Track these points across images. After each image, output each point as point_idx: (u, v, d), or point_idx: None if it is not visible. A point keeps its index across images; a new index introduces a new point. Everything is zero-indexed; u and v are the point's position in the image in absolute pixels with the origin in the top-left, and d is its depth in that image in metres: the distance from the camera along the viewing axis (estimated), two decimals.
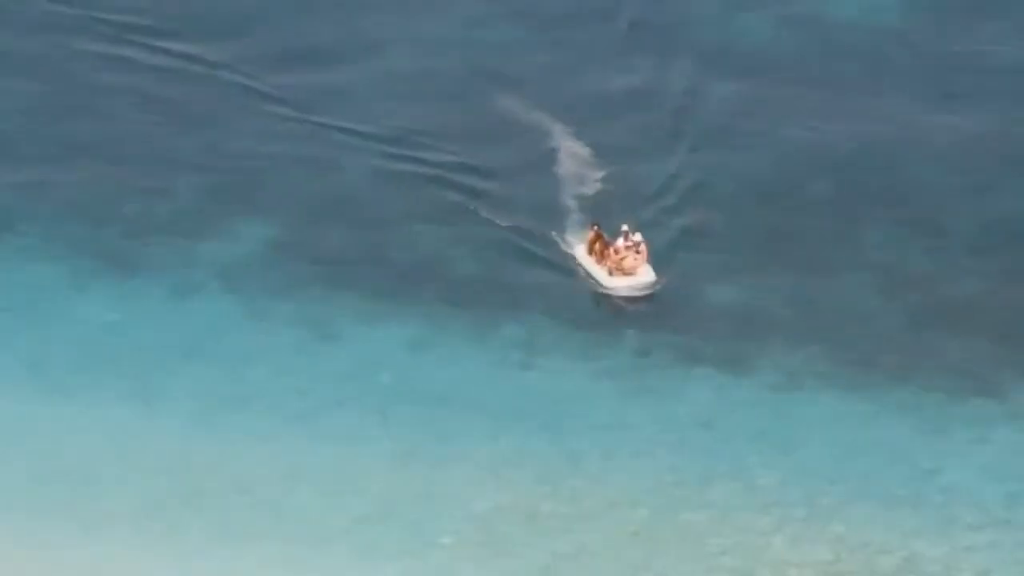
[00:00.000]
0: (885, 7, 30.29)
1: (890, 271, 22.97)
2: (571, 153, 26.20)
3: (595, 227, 22.67)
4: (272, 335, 21.71)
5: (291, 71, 28.49)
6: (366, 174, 25.74)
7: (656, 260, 22.63)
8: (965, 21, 29.94)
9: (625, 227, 22.24)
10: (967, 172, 25.61)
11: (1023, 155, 25.79)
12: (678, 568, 17.00)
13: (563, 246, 23.35)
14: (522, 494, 18.20)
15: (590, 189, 25.13)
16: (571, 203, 24.61)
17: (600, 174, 25.49)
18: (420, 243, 24.06)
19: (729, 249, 23.62)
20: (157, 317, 22.26)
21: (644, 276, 22.06)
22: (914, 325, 21.58)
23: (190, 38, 29.34)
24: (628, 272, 21.92)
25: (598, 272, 22.22)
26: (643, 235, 22.43)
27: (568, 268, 23.15)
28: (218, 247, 23.79)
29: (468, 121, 27.33)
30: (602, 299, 22.33)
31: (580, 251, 22.73)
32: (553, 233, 23.55)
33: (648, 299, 22.12)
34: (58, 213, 24.67)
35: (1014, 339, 20.88)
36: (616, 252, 22.16)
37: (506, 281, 22.91)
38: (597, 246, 22.41)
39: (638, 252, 22.01)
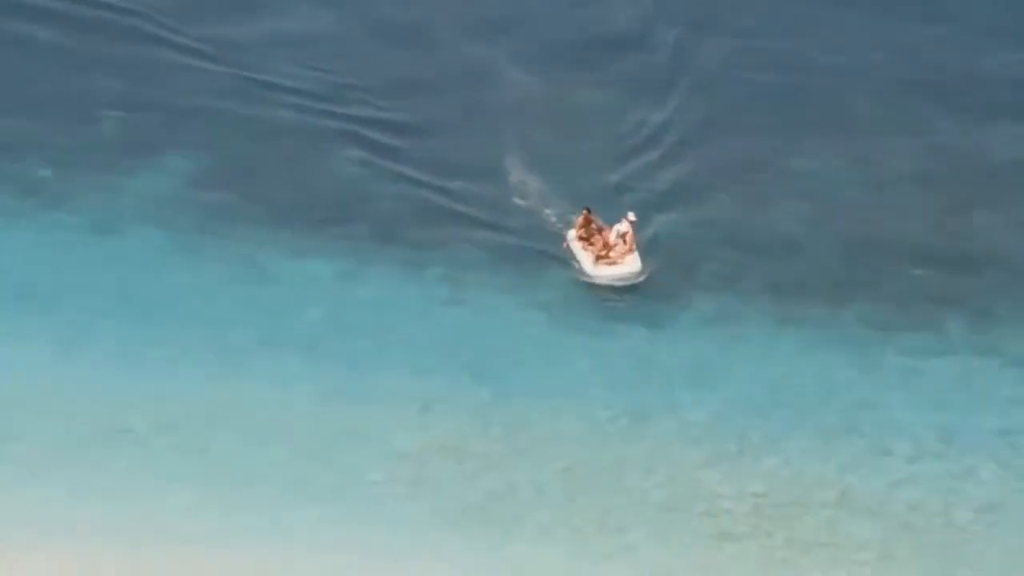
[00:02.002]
0: None
1: (824, 203, 22.74)
2: (509, 91, 25.70)
3: (586, 211, 21.64)
4: (197, 271, 21.18)
5: (219, 17, 27.33)
6: (294, 112, 24.94)
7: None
8: None
9: (631, 215, 21.18)
10: (901, 106, 25.30)
11: (958, 89, 25.50)
12: (610, 504, 16.98)
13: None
14: (452, 431, 18.06)
15: (526, 127, 24.62)
16: (508, 139, 24.14)
17: (533, 110, 25.09)
18: (349, 179, 23.44)
19: (660, 181, 23.24)
20: (79, 252, 21.63)
21: (630, 266, 21.13)
22: (848, 257, 21.43)
23: None
24: (614, 261, 21.10)
25: (583, 258, 21.34)
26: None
27: (497, 206, 22.70)
28: (143, 183, 23.04)
29: (403, 64, 26.46)
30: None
31: (571, 235, 21.87)
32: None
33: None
34: None
35: (948, 271, 20.86)
36: (604, 240, 21.32)
37: (435, 217, 22.43)
38: (583, 232, 21.52)
39: (626, 241, 21.06)
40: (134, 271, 21.14)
